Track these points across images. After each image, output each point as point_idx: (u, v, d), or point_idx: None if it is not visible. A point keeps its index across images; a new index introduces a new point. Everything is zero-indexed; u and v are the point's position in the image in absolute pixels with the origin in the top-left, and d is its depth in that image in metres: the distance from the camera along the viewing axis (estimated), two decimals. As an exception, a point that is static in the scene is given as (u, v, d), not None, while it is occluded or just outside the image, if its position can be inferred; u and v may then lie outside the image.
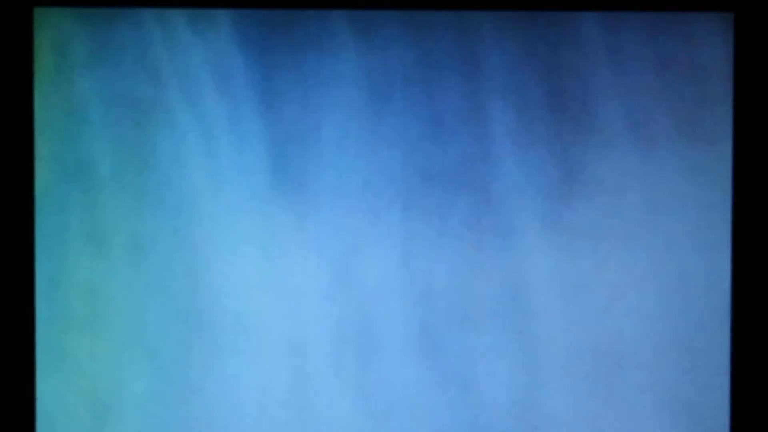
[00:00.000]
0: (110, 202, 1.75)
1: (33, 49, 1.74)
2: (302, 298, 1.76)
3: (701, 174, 1.76)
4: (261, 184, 1.75)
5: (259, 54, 1.75)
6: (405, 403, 1.76)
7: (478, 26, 1.76)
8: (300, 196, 1.76)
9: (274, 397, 1.76)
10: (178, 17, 1.75)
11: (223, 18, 1.75)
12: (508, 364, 1.76)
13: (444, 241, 1.76)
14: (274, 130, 1.75)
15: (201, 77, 1.75)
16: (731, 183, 1.76)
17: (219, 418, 1.76)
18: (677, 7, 1.76)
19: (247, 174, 1.75)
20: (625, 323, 1.76)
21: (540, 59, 1.76)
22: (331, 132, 1.76)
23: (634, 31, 1.77)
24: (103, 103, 1.75)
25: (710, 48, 1.77)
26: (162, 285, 1.75)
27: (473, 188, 1.76)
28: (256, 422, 1.76)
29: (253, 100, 1.75)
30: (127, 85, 1.75)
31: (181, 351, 1.75)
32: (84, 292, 1.75)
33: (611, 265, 1.76)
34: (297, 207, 1.76)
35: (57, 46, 1.74)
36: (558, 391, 1.76)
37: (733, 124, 1.76)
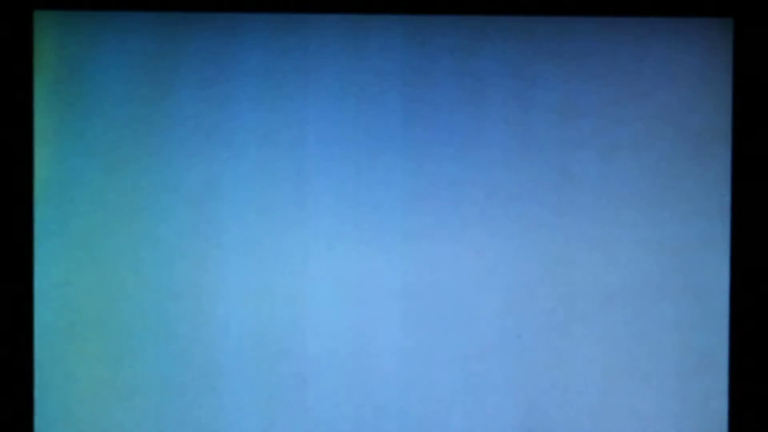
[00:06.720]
0: (111, 204, 1.75)
1: (33, 51, 1.75)
2: (302, 303, 1.76)
3: (700, 177, 1.76)
4: (261, 188, 1.76)
5: (257, 57, 1.76)
6: (403, 404, 1.76)
7: (477, 31, 1.76)
8: (299, 198, 1.76)
9: (273, 399, 1.76)
10: (175, 20, 1.76)
11: (221, 21, 1.76)
12: (507, 366, 1.76)
13: (444, 243, 1.76)
14: (272, 133, 1.76)
15: (199, 79, 1.76)
16: (730, 185, 1.76)
17: (220, 419, 1.76)
18: (677, 12, 1.77)
19: (246, 177, 1.76)
20: (623, 323, 1.76)
21: (540, 63, 1.76)
22: (330, 135, 1.76)
23: (635, 36, 1.77)
24: (102, 105, 1.75)
25: (710, 52, 1.77)
26: (162, 289, 1.75)
27: (470, 191, 1.76)
28: (256, 424, 1.76)
29: (251, 103, 1.76)
30: (126, 87, 1.75)
31: (182, 353, 1.75)
32: (83, 296, 1.75)
33: (610, 266, 1.76)
34: (296, 209, 1.76)
35: (57, 49, 1.75)
36: (556, 390, 1.76)
37: (733, 127, 1.76)
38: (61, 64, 1.75)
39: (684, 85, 1.77)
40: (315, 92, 1.76)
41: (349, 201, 1.76)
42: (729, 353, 1.75)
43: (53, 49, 1.75)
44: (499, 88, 1.76)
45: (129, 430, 1.76)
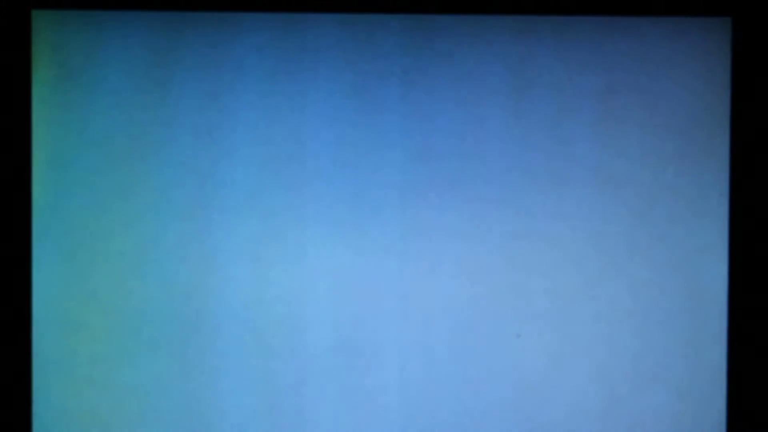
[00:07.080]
0: (109, 204, 1.75)
1: (31, 51, 1.74)
2: (301, 303, 1.76)
3: (699, 176, 1.77)
4: (260, 188, 1.76)
5: (257, 57, 1.75)
6: (402, 404, 1.76)
7: (477, 31, 1.76)
8: (298, 198, 1.76)
9: (272, 399, 1.76)
10: (174, 20, 1.75)
11: (221, 21, 1.75)
12: (507, 366, 1.76)
13: (443, 243, 1.76)
14: (272, 132, 1.76)
15: (198, 79, 1.75)
16: (728, 185, 1.76)
17: (218, 420, 1.76)
18: (676, 11, 1.77)
19: (245, 176, 1.75)
20: (621, 323, 1.77)
21: (539, 63, 1.77)
22: (329, 134, 1.76)
23: (634, 36, 1.77)
24: (100, 105, 1.75)
25: (708, 51, 1.77)
26: (161, 289, 1.75)
27: (469, 191, 1.76)
28: (254, 424, 1.76)
29: (251, 103, 1.75)
30: (125, 87, 1.75)
31: (181, 354, 1.75)
32: (82, 296, 1.74)
33: (609, 266, 1.77)
34: (295, 208, 1.76)
35: (55, 48, 1.75)
36: (556, 390, 1.76)
37: (731, 126, 1.76)
38: (59, 64, 1.75)
39: (682, 84, 1.77)
40: (315, 92, 1.76)
41: (348, 200, 1.76)
42: (727, 353, 1.76)
43: (51, 48, 1.75)
44: (498, 88, 1.76)
45: (128, 430, 1.75)
